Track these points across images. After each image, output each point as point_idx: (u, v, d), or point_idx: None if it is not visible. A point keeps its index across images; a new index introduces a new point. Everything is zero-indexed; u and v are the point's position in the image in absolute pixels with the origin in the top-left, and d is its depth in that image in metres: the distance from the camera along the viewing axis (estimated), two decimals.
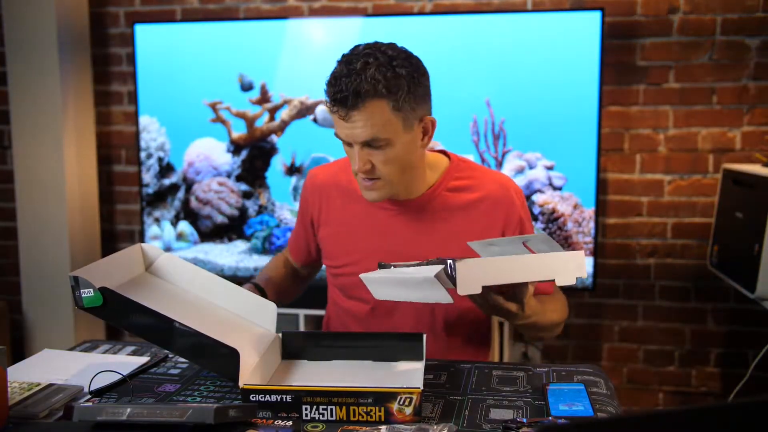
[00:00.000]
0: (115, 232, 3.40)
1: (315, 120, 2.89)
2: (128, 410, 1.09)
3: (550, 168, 2.75)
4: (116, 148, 3.34)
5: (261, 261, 2.98)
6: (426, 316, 1.57)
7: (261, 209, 3.00)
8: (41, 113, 3.11)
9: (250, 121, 2.96)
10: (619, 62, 2.89)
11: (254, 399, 1.18)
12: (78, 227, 3.19)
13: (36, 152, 3.13)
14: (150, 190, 3.07)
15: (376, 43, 1.41)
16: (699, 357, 3.01)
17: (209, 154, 3.00)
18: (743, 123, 2.86)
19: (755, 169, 2.48)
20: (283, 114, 2.93)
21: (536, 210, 2.77)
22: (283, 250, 1.86)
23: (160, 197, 3.07)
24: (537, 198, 2.77)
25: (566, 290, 2.92)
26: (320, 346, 1.41)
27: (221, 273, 3.01)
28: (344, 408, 1.17)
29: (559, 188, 2.76)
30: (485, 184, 1.56)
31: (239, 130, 2.97)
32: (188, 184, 3.04)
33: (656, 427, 0.69)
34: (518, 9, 2.92)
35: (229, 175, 3.01)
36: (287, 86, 2.92)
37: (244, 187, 3.00)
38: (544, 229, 2.77)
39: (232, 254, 3.02)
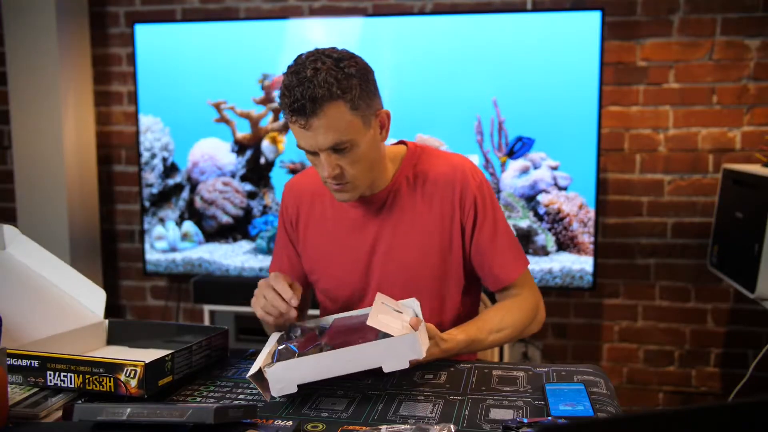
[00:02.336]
0: (115, 232, 3.40)
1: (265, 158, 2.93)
2: (128, 410, 1.09)
3: (554, 168, 2.75)
4: (116, 148, 3.34)
5: (266, 261, 2.98)
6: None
7: (266, 209, 3.00)
8: (41, 113, 3.11)
9: (254, 121, 2.96)
10: (619, 62, 2.89)
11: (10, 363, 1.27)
12: (78, 227, 3.19)
13: (36, 152, 3.13)
14: (154, 190, 3.07)
15: (317, 49, 1.42)
16: (699, 357, 3.01)
17: (214, 154, 3.00)
18: (743, 123, 2.86)
19: (755, 169, 2.48)
20: None
21: (541, 210, 2.78)
22: None
23: (165, 197, 3.07)
24: (542, 198, 2.77)
25: (566, 290, 2.94)
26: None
27: (227, 273, 3.01)
28: (81, 376, 1.23)
29: (564, 188, 2.76)
30: (438, 167, 1.57)
31: (243, 130, 2.97)
32: (192, 184, 3.04)
33: (656, 427, 0.69)
34: (518, 9, 2.92)
35: (233, 175, 3.01)
36: (258, 85, 2.92)
37: (248, 187, 3.00)
38: (549, 230, 2.77)
39: (237, 254, 3.02)
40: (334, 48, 1.43)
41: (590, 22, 2.67)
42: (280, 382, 1.22)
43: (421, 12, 3.01)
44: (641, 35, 2.88)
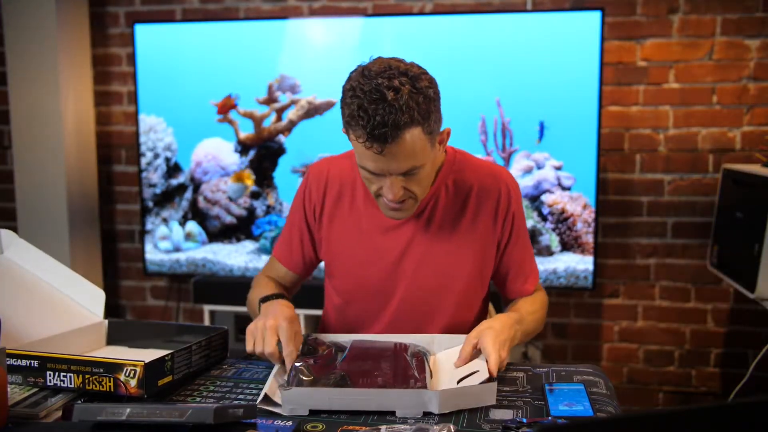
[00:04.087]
0: (115, 232, 3.40)
1: (230, 198, 2.94)
2: (128, 410, 1.09)
3: (558, 168, 2.75)
4: (116, 148, 3.34)
5: None
6: (427, 327, 1.58)
7: (269, 209, 3.00)
8: (41, 113, 3.11)
9: (257, 121, 2.96)
10: (619, 62, 2.89)
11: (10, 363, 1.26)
12: (78, 227, 3.19)
13: (36, 152, 3.13)
14: (157, 190, 3.07)
15: (385, 61, 1.35)
16: (699, 357, 3.01)
17: (217, 154, 3.00)
18: (743, 123, 2.86)
19: (755, 169, 2.48)
20: (291, 114, 2.93)
21: (545, 210, 2.77)
22: (264, 270, 1.73)
23: (168, 197, 3.07)
24: (546, 198, 2.77)
25: (566, 290, 2.93)
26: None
27: (230, 273, 3.01)
28: (81, 376, 1.23)
29: (568, 188, 2.76)
30: (480, 178, 1.56)
31: (247, 130, 2.97)
32: (196, 184, 3.04)
33: (656, 427, 0.69)
34: (518, 9, 2.92)
35: None
36: (274, 84, 2.92)
37: (252, 187, 3.00)
38: (553, 230, 2.77)
39: (241, 254, 3.01)
40: (400, 59, 1.37)
41: (590, 22, 2.67)
42: (293, 404, 1.21)
43: (421, 12, 3.01)
44: (641, 35, 2.88)
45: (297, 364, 1.29)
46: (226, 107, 2.89)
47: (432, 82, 1.36)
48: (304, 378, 1.26)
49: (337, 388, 1.24)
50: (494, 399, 1.24)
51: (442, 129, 1.42)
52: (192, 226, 3.05)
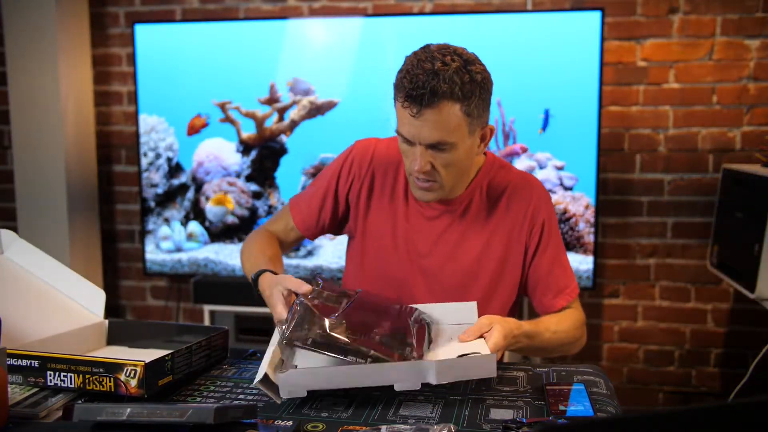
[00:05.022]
0: (115, 232, 3.40)
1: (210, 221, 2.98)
2: (128, 410, 1.09)
3: (560, 168, 2.75)
4: (116, 148, 3.34)
5: None
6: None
7: (270, 209, 3.00)
8: (41, 113, 3.11)
9: (259, 121, 2.96)
10: (619, 62, 2.89)
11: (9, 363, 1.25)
12: (78, 227, 3.19)
13: (36, 152, 3.13)
14: (159, 190, 3.07)
15: (449, 45, 1.42)
16: (699, 357, 3.01)
17: (218, 154, 3.00)
18: (743, 123, 2.86)
19: (755, 169, 2.48)
20: (293, 114, 2.93)
21: None
22: (268, 224, 1.73)
23: (170, 197, 3.07)
24: None
25: None
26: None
27: (233, 273, 3.01)
28: (81, 376, 1.23)
29: (570, 188, 2.76)
30: (514, 184, 1.58)
31: (248, 130, 2.97)
32: (197, 184, 3.04)
33: (656, 427, 0.69)
34: (518, 9, 2.92)
35: (238, 175, 3.01)
36: (287, 86, 2.92)
37: (254, 187, 3.00)
38: None
39: None
40: (464, 48, 1.43)
41: (590, 22, 2.67)
42: (291, 386, 1.21)
43: (421, 12, 3.01)
44: (641, 35, 2.88)
45: (300, 299, 1.28)
46: (195, 127, 2.91)
47: (485, 72, 1.42)
48: (303, 313, 1.25)
49: (333, 367, 1.23)
50: (495, 371, 1.23)
51: (486, 124, 1.45)
52: (194, 226, 3.06)
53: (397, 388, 1.21)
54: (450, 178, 1.45)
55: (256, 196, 3.00)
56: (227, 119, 2.98)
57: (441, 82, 1.33)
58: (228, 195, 2.94)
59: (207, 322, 3.01)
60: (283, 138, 2.95)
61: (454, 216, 1.56)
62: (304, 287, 1.33)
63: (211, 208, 2.98)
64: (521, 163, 2.77)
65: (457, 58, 1.37)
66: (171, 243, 3.07)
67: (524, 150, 2.73)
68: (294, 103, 2.92)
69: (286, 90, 2.91)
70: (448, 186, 1.47)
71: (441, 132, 1.37)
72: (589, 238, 2.76)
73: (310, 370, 1.24)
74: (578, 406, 1.20)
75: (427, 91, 1.33)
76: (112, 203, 3.39)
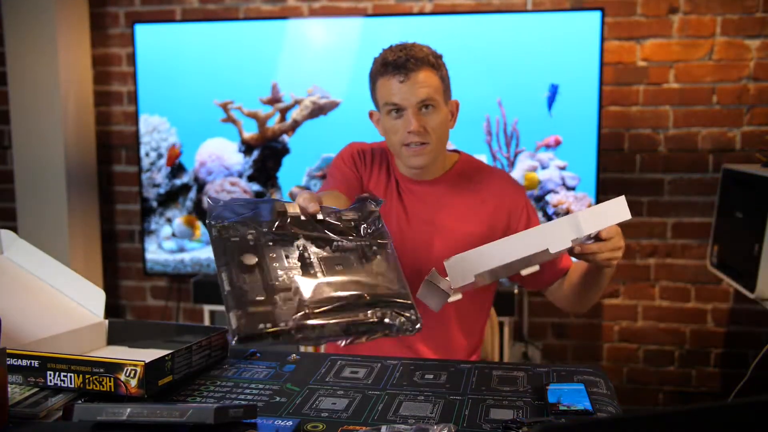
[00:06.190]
0: (115, 232, 3.40)
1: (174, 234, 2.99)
2: (128, 410, 1.09)
3: (562, 168, 2.75)
4: (116, 148, 3.34)
5: None
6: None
7: None
8: (41, 113, 3.11)
9: (261, 121, 2.96)
10: (619, 62, 2.89)
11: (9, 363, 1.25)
12: (78, 227, 3.19)
13: (36, 152, 3.13)
14: (161, 190, 3.07)
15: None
16: (699, 357, 3.01)
17: (221, 155, 3.00)
18: (743, 123, 2.86)
19: (755, 169, 2.47)
20: (295, 114, 2.93)
21: (550, 210, 2.77)
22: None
23: (172, 197, 3.07)
24: (551, 198, 2.77)
25: None
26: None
27: None
28: (81, 376, 1.23)
29: (573, 188, 2.76)
30: (492, 173, 1.73)
31: (250, 130, 2.97)
32: (200, 184, 3.04)
33: (656, 427, 0.69)
34: (518, 9, 2.92)
35: (240, 175, 3.01)
36: (287, 86, 2.92)
37: (256, 187, 3.00)
38: None
39: None
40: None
41: (590, 22, 2.67)
42: (456, 274, 1.20)
43: (421, 12, 3.01)
44: (641, 35, 2.88)
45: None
46: (171, 158, 2.94)
47: (441, 56, 1.62)
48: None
49: (487, 246, 1.21)
50: (629, 214, 1.36)
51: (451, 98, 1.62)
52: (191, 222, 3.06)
53: (552, 250, 1.22)
54: (436, 141, 1.58)
55: (259, 196, 3.00)
56: (229, 119, 2.97)
57: (417, 51, 1.54)
58: (195, 216, 3.00)
59: (207, 322, 3.01)
60: (285, 138, 2.95)
61: (430, 192, 1.67)
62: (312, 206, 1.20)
63: (179, 226, 3.03)
64: (523, 163, 2.77)
65: (424, 45, 1.59)
66: (173, 243, 3.07)
67: (558, 142, 2.74)
68: (296, 103, 2.92)
69: (305, 95, 2.91)
70: (436, 150, 1.59)
71: (428, 89, 1.54)
72: None
73: (471, 252, 1.22)
74: (578, 406, 1.20)
75: (410, 59, 1.53)
76: (112, 203, 3.39)
